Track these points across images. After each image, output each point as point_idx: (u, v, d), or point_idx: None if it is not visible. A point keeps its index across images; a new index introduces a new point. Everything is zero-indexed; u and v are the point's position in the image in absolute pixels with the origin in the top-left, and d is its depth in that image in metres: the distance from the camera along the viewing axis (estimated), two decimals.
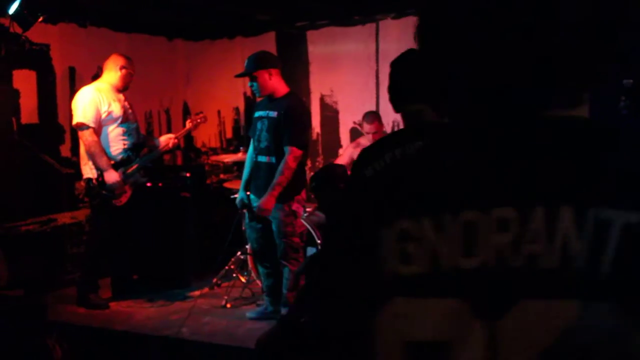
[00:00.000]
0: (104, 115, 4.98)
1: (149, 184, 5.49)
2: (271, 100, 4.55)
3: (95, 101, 4.94)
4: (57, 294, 5.40)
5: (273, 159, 4.44)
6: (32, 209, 5.59)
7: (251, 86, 4.57)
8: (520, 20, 0.77)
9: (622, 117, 5.24)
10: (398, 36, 6.78)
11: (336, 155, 7.07)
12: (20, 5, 4.65)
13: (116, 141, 5.08)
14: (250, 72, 4.48)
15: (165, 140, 5.50)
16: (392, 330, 0.81)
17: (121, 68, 5.12)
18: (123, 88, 5.20)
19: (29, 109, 5.87)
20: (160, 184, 5.75)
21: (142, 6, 6.29)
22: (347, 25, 7.07)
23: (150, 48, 7.40)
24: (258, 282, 5.33)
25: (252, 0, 6.33)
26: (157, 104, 7.42)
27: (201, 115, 5.77)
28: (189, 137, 7.75)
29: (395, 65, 2.14)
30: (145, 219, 5.58)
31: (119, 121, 5.06)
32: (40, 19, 4.95)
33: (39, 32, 5.47)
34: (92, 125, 4.90)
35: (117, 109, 5.05)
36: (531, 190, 0.77)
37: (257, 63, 4.47)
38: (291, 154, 4.32)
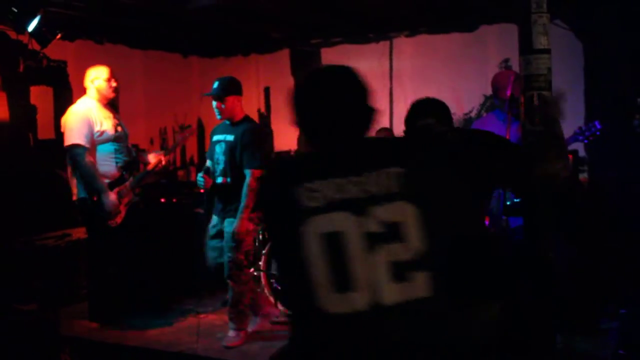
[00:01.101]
0: (96, 135, 4.86)
1: (162, 200, 5.50)
2: (229, 125, 4.71)
3: (87, 120, 4.83)
4: (71, 308, 5.41)
5: (229, 180, 4.62)
6: (47, 224, 5.63)
7: (217, 107, 4.68)
8: (331, 103, 1.81)
9: (636, 134, 5.22)
10: (411, 54, 6.80)
11: None
12: (39, 23, 4.71)
13: (108, 159, 4.96)
14: (224, 96, 4.64)
15: (155, 158, 5.28)
16: (311, 230, 1.64)
17: (108, 80, 4.99)
18: (112, 98, 5.09)
19: (45, 125, 5.93)
20: (174, 200, 5.78)
21: (158, 23, 6.35)
22: (361, 43, 7.10)
23: (165, 64, 7.47)
24: (271, 298, 5.33)
25: (266, 17, 6.38)
26: (172, 120, 7.47)
27: (190, 129, 5.76)
28: (203, 154, 7.79)
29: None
30: (159, 235, 5.60)
31: (111, 139, 4.94)
32: (58, 36, 4.99)
33: (57, 49, 5.54)
34: (87, 145, 4.79)
35: (109, 127, 4.93)
36: (358, 165, 1.69)
37: (231, 88, 4.68)
38: (252, 176, 4.49)
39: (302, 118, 1.84)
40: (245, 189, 4.50)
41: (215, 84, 4.69)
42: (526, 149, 3.01)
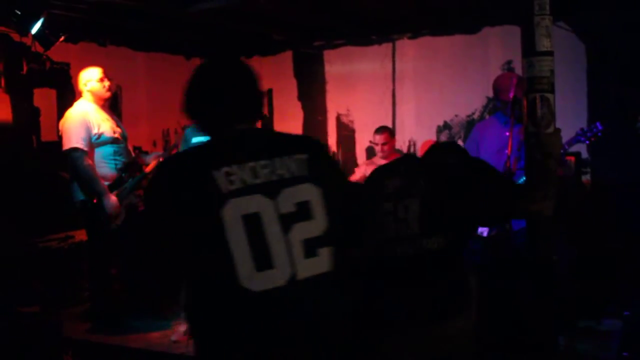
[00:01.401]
0: (94, 138, 4.83)
1: None
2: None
3: (85, 124, 4.80)
4: (73, 310, 5.42)
5: None
6: (50, 226, 5.63)
7: None
8: (230, 93, 1.95)
9: (639, 136, 5.22)
10: (414, 56, 6.80)
11: (352, 174, 7.08)
12: (42, 25, 4.72)
13: (107, 161, 4.93)
14: None
15: (154, 159, 5.29)
16: (232, 212, 1.73)
17: (100, 80, 4.96)
18: (109, 98, 5.06)
19: (48, 127, 5.94)
20: None
21: (161, 26, 6.36)
22: (363, 45, 7.10)
23: (168, 67, 7.47)
24: None
25: (269, 19, 6.38)
26: (175, 122, 7.45)
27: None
28: None
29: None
30: None
31: (109, 142, 4.91)
32: (62, 38, 5.00)
33: (60, 51, 5.55)
34: (85, 149, 4.76)
35: (107, 129, 4.90)
36: (268, 151, 1.85)
37: None
38: None
39: (200, 108, 1.96)
40: None
41: None
42: (513, 185, 3.07)
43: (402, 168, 2.62)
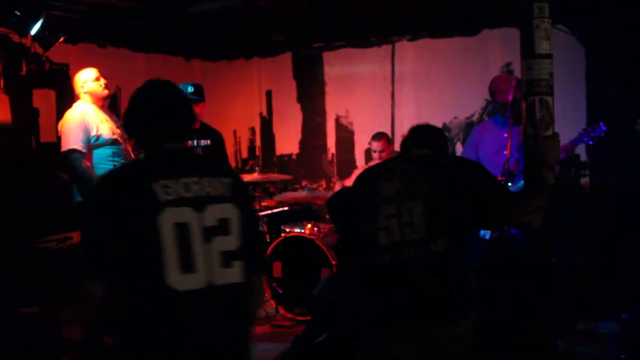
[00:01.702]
0: (93, 140, 4.80)
1: None
2: (196, 130, 4.92)
3: (84, 125, 4.76)
4: (73, 311, 5.41)
5: None
6: (49, 227, 5.63)
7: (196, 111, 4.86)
8: (167, 114, 2.22)
9: (638, 138, 5.23)
10: (413, 58, 6.81)
11: (349, 177, 7.09)
12: (41, 26, 4.71)
13: (105, 163, 4.87)
14: (202, 100, 5.06)
15: None
16: (167, 218, 1.98)
17: (96, 79, 4.92)
18: (107, 97, 5.04)
19: (47, 128, 5.94)
20: None
21: (160, 27, 6.37)
22: (363, 47, 7.11)
23: (168, 68, 7.48)
24: (272, 302, 5.33)
25: (269, 21, 6.39)
26: None
27: None
28: None
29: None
30: None
31: (108, 143, 4.87)
32: (61, 39, 4.99)
33: (59, 52, 5.55)
34: (83, 150, 4.73)
35: (106, 131, 4.85)
36: (199, 170, 2.13)
37: (203, 94, 5.09)
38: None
39: (137, 128, 2.21)
40: None
41: (195, 90, 5.03)
42: (509, 192, 3.07)
43: (397, 169, 2.60)
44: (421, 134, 2.80)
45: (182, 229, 2.00)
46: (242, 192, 2.24)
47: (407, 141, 2.82)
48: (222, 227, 2.07)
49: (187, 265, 1.99)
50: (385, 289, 2.48)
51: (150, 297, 1.99)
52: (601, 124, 4.03)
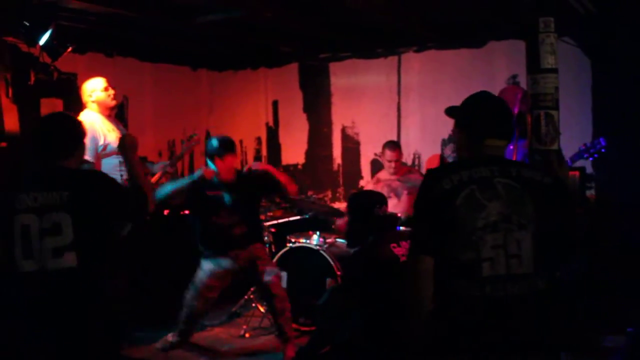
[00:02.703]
0: (100, 149, 4.82)
1: (166, 212, 5.50)
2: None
3: (91, 134, 4.74)
4: None
5: None
6: None
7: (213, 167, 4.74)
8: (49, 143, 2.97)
9: None
10: (420, 69, 6.82)
11: (357, 186, 7.08)
12: (50, 36, 4.75)
13: (113, 173, 4.71)
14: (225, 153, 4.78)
15: (160, 169, 5.30)
16: (18, 221, 2.76)
17: (105, 89, 4.94)
18: (115, 107, 5.04)
19: None
20: (180, 212, 5.79)
21: (168, 37, 6.40)
22: (369, 58, 7.13)
23: (174, 77, 7.52)
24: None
25: (275, 32, 6.42)
26: (181, 132, 7.50)
27: (195, 137, 5.67)
28: None
29: None
30: (165, 247, 5.61)
31: (115, 152, 4.75)
32: (69, 49, 5.01)
33: (67, 62, 5.56)
34: (91, 160, 4.74)
35: (113, 140, 4.82)
36: (49, 185, 2.78)
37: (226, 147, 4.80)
38: None
39: (34, 147, 2.93)
40: None
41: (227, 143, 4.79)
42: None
43: (498, 185, 2.23)
44: (497, 113, 2.52)
45: (26, 229, 2.71)
46: (80, 201, 2.77)
47: (480, 123, 2.50)
48: (54, 229, 2.71)
49: (27, 253, 2.70)
50: (478, 323, 2.20)
51: (5, 274, 2.76)
52: (601, 139, 4.01)
